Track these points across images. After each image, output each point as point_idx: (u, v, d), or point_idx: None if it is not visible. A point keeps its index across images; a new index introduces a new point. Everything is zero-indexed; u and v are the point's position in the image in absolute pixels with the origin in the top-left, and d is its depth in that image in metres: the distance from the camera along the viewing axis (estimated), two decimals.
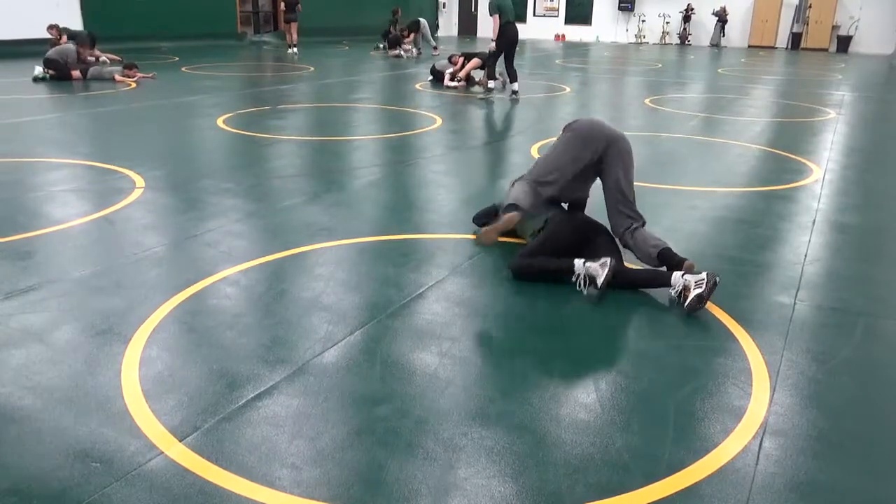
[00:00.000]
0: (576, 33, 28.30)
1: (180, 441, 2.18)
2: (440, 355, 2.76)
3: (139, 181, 5.18)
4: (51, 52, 11.09)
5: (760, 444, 2.25)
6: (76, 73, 10.98)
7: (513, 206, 3.67)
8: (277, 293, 3.31)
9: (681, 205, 4.98)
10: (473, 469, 2.10)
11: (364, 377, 2.59)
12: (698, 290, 3.11)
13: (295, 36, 17.55)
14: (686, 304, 3.14)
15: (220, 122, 7.78)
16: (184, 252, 3.83)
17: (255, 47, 19.55)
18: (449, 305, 3.24)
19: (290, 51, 17.43)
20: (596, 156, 3.66)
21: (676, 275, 3.28)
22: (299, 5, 17.47)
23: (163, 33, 17.53)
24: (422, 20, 18.28)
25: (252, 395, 2.44)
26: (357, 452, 2.16)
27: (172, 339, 2.84)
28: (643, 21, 26.97)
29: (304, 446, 2.18)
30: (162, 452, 2.12)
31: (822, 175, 5.95)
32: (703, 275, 3.16)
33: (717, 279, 3.18)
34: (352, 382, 2.55)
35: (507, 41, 10.03)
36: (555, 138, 4.03)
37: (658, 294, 3.41)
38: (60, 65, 10.92)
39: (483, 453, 2.17)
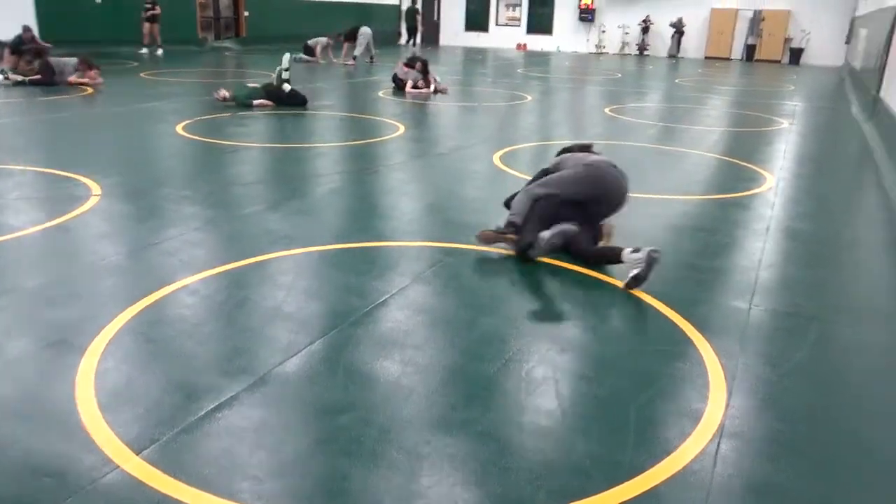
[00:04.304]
0: (537, 43, 28.60)
1: (137, 454, 2.13)
2: (403, 363, 2.75)
3: (96, 188, 5.07)
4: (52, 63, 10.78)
5: (718, 447, 2.30)
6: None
7: (510, 225, 4.04)
8: (238, 302, 3.27)
9: (641, 212, 5.06)
10: (437, 477, 2.10)
11: (326, 386, 2.57)
12: (635, 271, 3.49)
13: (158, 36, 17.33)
14: (625, 283, 3.53)
15: (179, 128, 7.66)
16: (142, 261, 3.76)
17: (216, 53, 19.33)
18: (412, 313, 3.24)
19: (159, 52, 17.24)
20: (595, 207, 4.05)
21: (626, 252, 3.60)
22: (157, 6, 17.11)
23: (121, 38, 17.18)
24: (364, 29, 18.00)
25: (212, 407, 2.40)
26: (320, 462, 2.14)
27: (129, 350, 2.78)
28: (603, 31, 27.39)
29: (266, 457, 2.15)
30: (118, 466, 2.08)
31: (775, 183, 6.12)
32: (642, 254, 3.50)
33: (657, 255, 3.50)
34: (314, 392, 2.53)
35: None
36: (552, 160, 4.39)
37: (620, 301, 3.46)
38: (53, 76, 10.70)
39: (446, 461, 2.17)
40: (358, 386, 2.58)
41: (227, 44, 21.22)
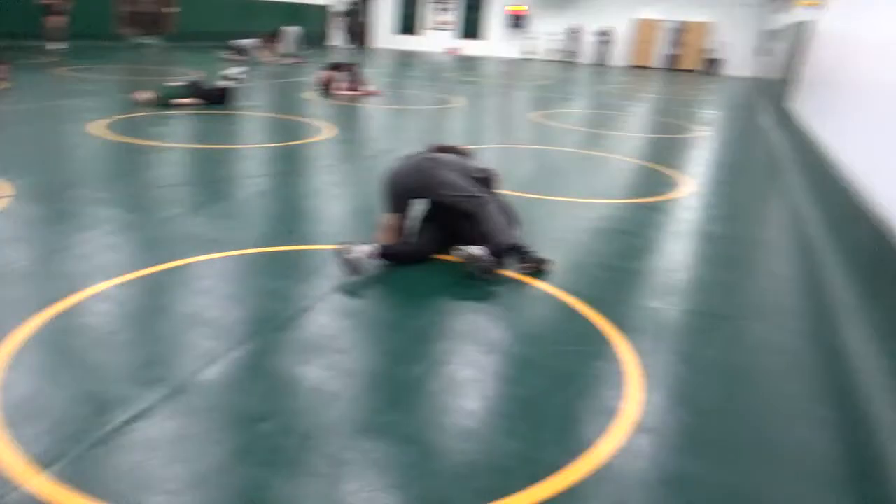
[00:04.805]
0: (468, 47, 28.87)
1: (44, 470, 2.03)
2: (327, 368, 2.73)
3: (6, 189, 4.82)
4: None
5: (635, 443, 2.37)
6: None
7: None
8: (155, 309, 3.16)
9: (566, 215, 5.18)
10: (360, 483, 2.09)
11: (247, 394, 2.52)
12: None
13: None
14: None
15: (97, 127, 7.36)
16: (52, 266, 3.59)
17: (139, 50, 18.67)
18: (336, 317, 3.21)
19: (62, 46, 16.27)
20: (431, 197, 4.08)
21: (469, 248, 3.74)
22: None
23: (36, 32, 16.33)
24: (289, 28, 17.90)
25: (125, 418, 2.31)
26: (239, 473, 2.09)
27: (37, 361, 2.65)
28: (532, 38, 27.89)
29: (182, 470, 2.09)
30: (22, 485, 1.97)
31: (692, 188, 6.36)
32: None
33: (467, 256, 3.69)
34: (234, 400, 2.48)
35: None
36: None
37: (543, 302, 3.53)
38: None
39: (370, 466, 2.16)
40: (280, 393, 2.54)
41: (151, 40, 20.54)
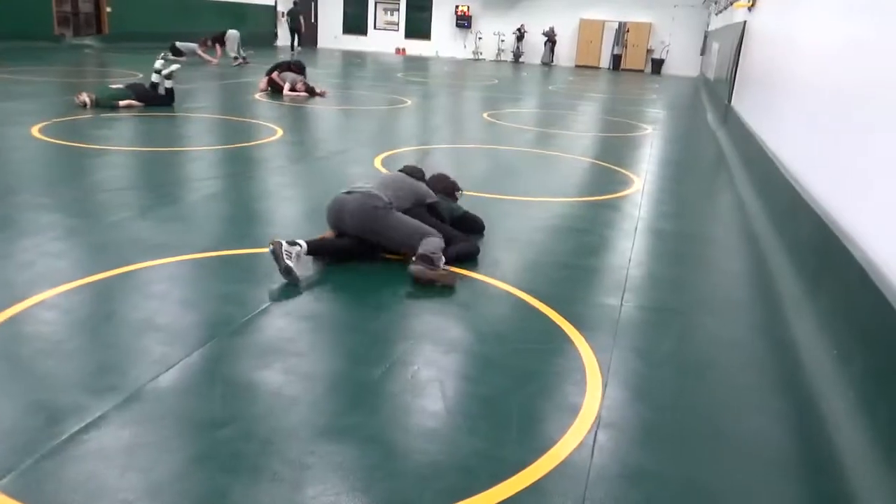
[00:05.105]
0: (416, 48, 28.84)
1: None
2: (286, 372, 2.69)
3: None
4: None
5: (595, 438, 2.40)
6: None
7: None
8: (105, 315, 3.07)
9: (519, 214, 5.22)
10: (322, 487, 2.06)
11: (205, 400, 2.47)
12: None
13: None
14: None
15: (34, 130, 7.09)
16: None
17: (75, 51, 18.07)
18: (294, 320, 3.17)
19: None
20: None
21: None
22: None
23: None
24: (230, 31, 17.78)
25: (77, 429, 2.23)
26: (198, 480, 2.05)
27: None
28: (480, 38, 28.04)
29: (138, 479, 2.03)
30: None
31: (641, 186, 6.49)
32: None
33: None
34: (191, 406, 2.42)
35: None
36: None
37: (502, 301, 3.55)
38: None
39: (332, 470, 2.14)
40: (238, 398, 2.49)
41: (87, 41, 19.89)
